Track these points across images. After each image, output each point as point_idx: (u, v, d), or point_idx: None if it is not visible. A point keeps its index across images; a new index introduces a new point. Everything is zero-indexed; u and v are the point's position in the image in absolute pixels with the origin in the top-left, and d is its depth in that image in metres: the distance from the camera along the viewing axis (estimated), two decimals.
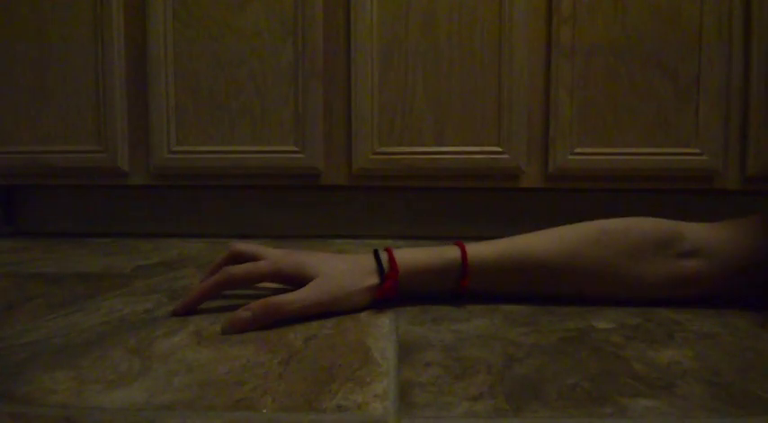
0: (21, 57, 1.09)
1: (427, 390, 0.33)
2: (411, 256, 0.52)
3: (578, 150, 1.04)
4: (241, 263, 0.51)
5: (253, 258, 0.52)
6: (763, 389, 0.33)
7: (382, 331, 0.45)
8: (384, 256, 0.52)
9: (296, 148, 1.07)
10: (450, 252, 0.52)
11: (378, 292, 0.51)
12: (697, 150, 1.02)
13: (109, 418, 0.29)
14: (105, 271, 0.74)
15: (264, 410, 0.30)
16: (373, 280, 0.51)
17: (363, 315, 0.50)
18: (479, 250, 0.52)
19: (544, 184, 1.06)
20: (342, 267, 0.50)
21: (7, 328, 0.46)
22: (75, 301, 0.56)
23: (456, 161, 1.05)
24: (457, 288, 0.53)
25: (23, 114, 1.10)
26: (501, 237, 0.55)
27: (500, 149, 1.05)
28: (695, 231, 0.51)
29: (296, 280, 0.50)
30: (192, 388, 0.33)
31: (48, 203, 1.21)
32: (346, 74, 1.06)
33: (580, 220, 0.60)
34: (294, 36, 1.06)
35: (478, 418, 0.29)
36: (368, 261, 0.52)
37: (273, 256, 0.51)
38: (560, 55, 1.03)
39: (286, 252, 0.52)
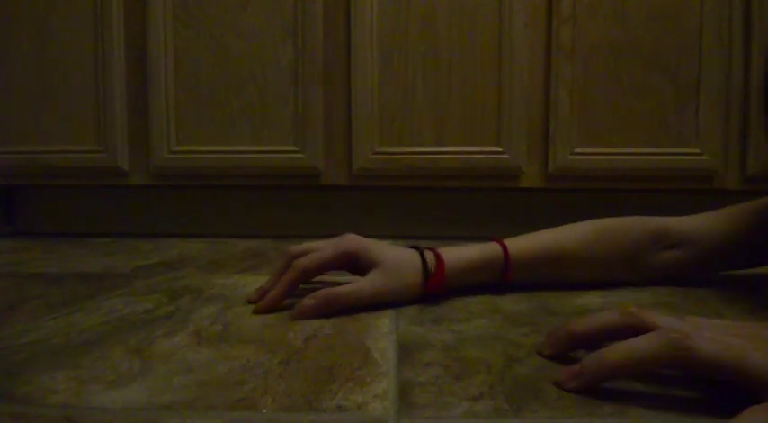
0: (21, 57, 1.09)
1: (427, 390, 0.33)
2: (456, 254, 0.56)
3: (578, 150, 1.04)
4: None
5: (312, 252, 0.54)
6: None
7: (382, 331, 0.45)
8: (430, 256, 0.55)
9: (296, 148, 1.07)
10: (492, 248, 0.57)
11: (427, 287, 0.54)
12: (697, 150, 1.02)
13: (109, 418, 0.29)
14: (105, 271, 0.74)
15: (264, 410, 0.30)
16: (421, 277, 0.54)
17: (363, 315, 0.50)
18: (518, 245, 0.58)
19: (544, 184, 1.06)
20: (400, 259, 0.53)
21: (7, 328, 0.46)
22: (75, 301, 0.56)
23: (456, 161, 1.05)
24: (501, 281, 0.58)
25: (23, 114, 1.10)
26: (501, 237, 0.59)
27: (500, 149, 1.05)
28: (679, 226, 0.61)
29: (361, 261, 0.53)
30: (191, 388, 0.33)
31: (48, 203, 1.21)
32: (346, 74, 1.06)
33: (580, 220, 0.63)
34: (294, 36, 1.06)
35: (478, 419, 0.29)
36: (416, 258, 0.54)
37: (332, 242, 0.54)
38: (560, 55, 1.03)
39: (341, 238, 0.55)
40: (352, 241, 0.54)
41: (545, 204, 1.13)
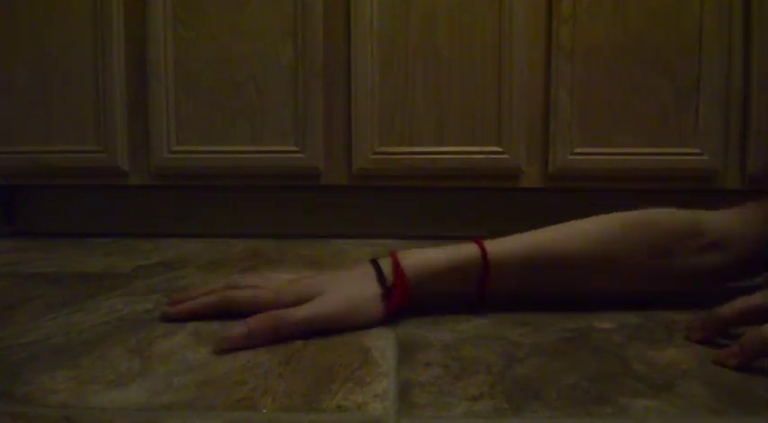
0: (21, 57, 1.09)
1: (427, 390, 0.33)
2: (420, 257, 0.47)
3: (578, 150, 1.04)
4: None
5: (251, 287, 0.48)
6: (764, 388, 0.33)
7: (382, 331, 0.45)
8: (386, 262, 0.47)
9: (296, 148, 1.07)
10: (466, 249, 0.48)
11: (388, 302, 0.46)
12: (697, 150, 1.02)
13: (109, 418, 0.29)
14: (105, 271, 0.74)
15: (264, 410, 0.30)
16: (378, 289, 0.46)
17: None
18: (500, 246, 0.48)
19: (544, 184, 1.06)
20: (347, 279, 0.47)
21: (7, 328, 0.46)
22: (75, 301, 0.56)
23: (456, 161, 1.05)
24: (479, 291, 0.48)
25: (23, 114, 1.10)
26: (501, 237, 0.52)
27: (500, 149, 1.05)
28: (713, 222, 0.51)
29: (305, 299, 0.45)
30: (191, 388, 0.33)
31: (48, 203, 1.21)
32: (346, 74, 1.06)
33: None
34: (294, 36, 1.06)
35: (478, 419, 0.29)
36: (369, 270, 0.47)
37: (274, 283, 0.47)
38: (560, 55, 1.03)
39: (287, 280, 0.48)
40: (293, 286, 0.46)
41: (545, 204, 1.13)
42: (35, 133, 1.10)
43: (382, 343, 0.42)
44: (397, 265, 0.46)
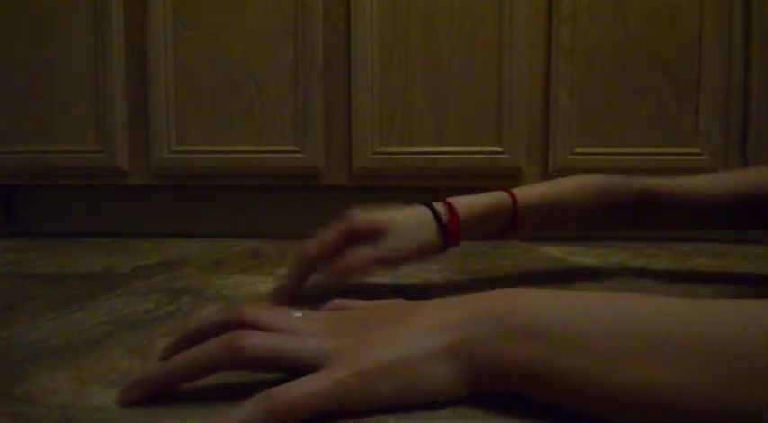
0: (21, 57, 1.09)
1: None
2: (468, 204, 0.57)
3: (578, 150, 1.04)
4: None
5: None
6: None
7: None
8: (442, 209, 0.55)
9: (296, 148, 1.07)
10: (501, 196, 0.58)
11: (445, 242, 0.54)
12: (697, 150, 1.02)
13: (109, 418, 0.29)
14: (105, 271, 0.74)
15: None
16: (434, 233, 0.53)
17: None
18: (524, 194, 0.59)
19: None
20: (410, 220, 0.53)
21: (7, 328, 0.46)
22: (75, 301, 0.56)
23: (456, 161, 1.05)
24: (507, 230, 0.59)
25: (23, 114, 1.10)
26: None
27: (500, 149, 1.05)
28: (663, 186, 0.63)
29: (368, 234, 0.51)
30: (191, 388, 0.33)
31: (48, 203, 1.21)
32: (346, 74, 1.06)
33: None
34: (294, 36, 1.06)
35: (477, 419, 0.29)
36: (428, 215, 0.54)
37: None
38: (560, 55, 1.03)
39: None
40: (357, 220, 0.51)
41: None
42: (35, 133, 1.10)
43: None
44: (452, 210, 0.55)
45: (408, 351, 0.28)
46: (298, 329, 0.30)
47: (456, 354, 0.28)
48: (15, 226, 1.21)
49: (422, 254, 0.53)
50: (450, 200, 0.56)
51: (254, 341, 0.28)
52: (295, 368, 0.28)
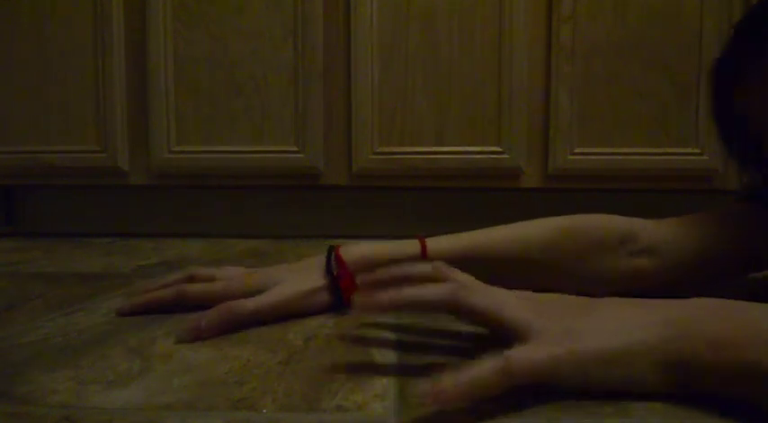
0: (21, 57, 1.09)
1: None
2: (363, 249, 0.51)
3: (578, 150, 1.04)
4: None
5: (208, 279, 0.51)
6: None
7: (382, 331, 0.45)
8: (332, 255, 0.51)
9: (296, 148, 1.07)
10: (408, 246, 0.52)
11: (335, 291, 0.50)
12: (697, 150, 1.02)
13: (109, 418, 0.29)
14: (105, 271, 0.74)
15: (264, 410, 0.30)
16: (323, 281, 0.50)
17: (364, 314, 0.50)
18: (439, 244, 0.53)
19: (544, 184, 1.05)
20: (296, 270, 0.51)
21: (7, 328, 0.46)
22: (75, 300, 0.56)
23: (456, 161, 1.05)
24: None
25: (23, 114, 1.10)
26: None
27: (500, 149, 1.05)
28: (648, 230, 0.53)
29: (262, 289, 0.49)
30: (191, 388, 0.33)
31: (48, 203, 1.21)
32: (346, 74, 1.06)
33: None
34: (294, 36, 1.06)
35: (478, 419, 0.29)
36: (320, 260, 0.51)
37: (228, 276, 0.52)
38: (560, 55, 1.03)
39: (242, 273, 0.52)
40: (242, 280, 0.50)
41: (545, 204, 1.13)
42: (35, 133, 1.10)
43: (382, 342, 0.42)
44: (339, 258, 0.50)
45: (618, 343, 0.31)
46: (498, 296, 0.34)
47: (663, 352, 0.30)
48: (15, 226, 1.21)
49: (311, 302, 0.49)
50: (343, 247, 0.51)
51: (478, 296, 0.34)
52: (501, 329, 0.33)
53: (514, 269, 0.52)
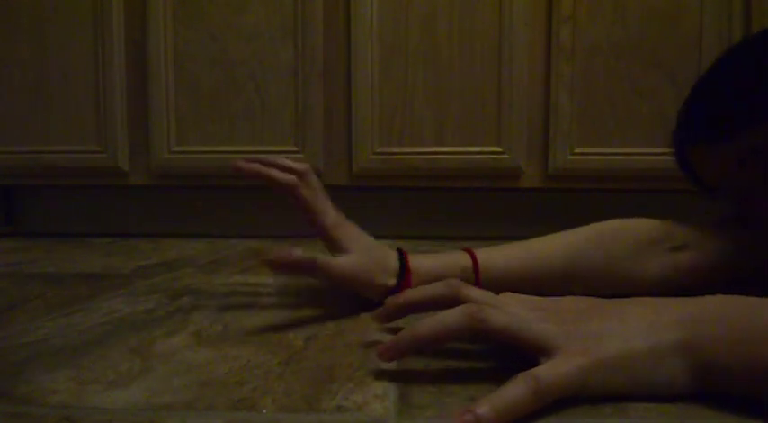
0: (21, 57, 1.09)
1: (427, 390, 0.33)
2: (422, 263, 0.53)
3: (578, 150, 1.04)
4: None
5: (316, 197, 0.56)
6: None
7: (382, 331, 0.45)
8: (400, 260, 0.53)
9: (296, 148, 1.07)
10: (461, 260, 0.53)
11: (397, 290, 0.51)
12: None
13: (109, 418, 0.29)
14: (105, 271, 0.74)
15: (264, 411, 0.30)
16: (392, 281, 0.52)
17: (364, 315, 0.50)
18: (489, 257, 0.53)
19: (544, 184, 1.06)
20: (373, 254, 0.52)
21: (7, 328, 0.46)
22: (75, 301, 0.56)
23: (456, 161, 1.05)
24: None
25: (23, 114, 1.10)
26: (501, 237, 0.57)
27: (500, 149, 1.05)
28: (682, 227, 0.55)
29: (329, 242, 0.52)
30: (191, 388, 0.33)
31: (48, 203, 1.21)
32: (346, 74, 1.06)
33: (580, 220, 0.61)
34: (294, 36, 1.06)
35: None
36: (389, 260, 0.53)
37: (328, 209, 0.55)
38: (560, 55, 1.03)
39: (338, 215, 0.55)
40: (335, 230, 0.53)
41: (545, 204, 1.13)
42: (35, 133, 1.10)
43: (382, 343, 0.42)
44: (407, 268, 0.52)
45: (641, 345, 0.31)
46: (515, 312, 0.34)
47: (685, 351, 0.30)
48: (15, 226, 1.21)
49: (370, 290, 0.51)
50: (409, 258, 0.53)
51: (497, 316, 0.32)
52: (522, 345, 0.32)
53: (561, 275, 0.53)
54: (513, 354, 0.36)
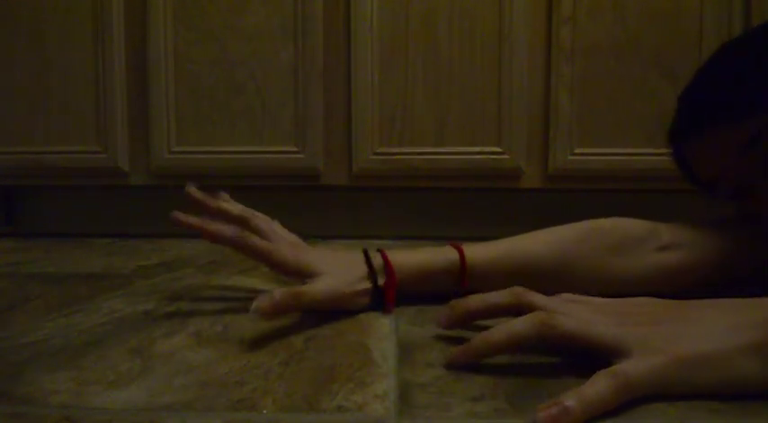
0: (21, 57, 1.09)
1: (427, 390, 0.33)
2: (408, 259, 0.52)
3: (578, 150, 1.04)
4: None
5: (266, 238, 0.54)
6: None
7: (382, 332, 0.45)
8: (378, 260, 0.52)
9: (296, 148, 1.07)
10: (448, 254, 0.53)
11: (375, 296, 0.51)
12: None
13: (109, 419, 0.29)
14: (105, 271, 0.74)
15: (265, 411, 0.30)
16: (366, 284, 0.51)
17: (363, 315, 0.50)
18: (477, 252, 0.53)
19: (544, 184, 1.05)
20: (340, 263, 0.51)
21: (7, 328, 0.46)
22: (75, 301, 0.56)
23: (456, 161, 1.05)
24: (456, 290, 0.53)
25: (23, 114, 1.10)
26: (501, 237, 0.57)
27: (500, 150, 1.04)
28: (670, 228, 0.55)
29: (295, 276, 0.50)
30: (192, 388, 0.33)
31: (48, 203, 1.20)
32: (346, 74, 1.06)
33: (580, 220, 0.60)
34: (294, 36, 1.06)
35: (479, 419, 0.29)
36: (356, 270, 0.51)
37: (278, 240, 0.55)
38: (560, 55, 1.03)
39: (293, 243, 0.56)
40: (296, 256, 0.50)
41: (545, 204, 1.13)
42: (35, 133, 1.10)
43: (383, 343, 0.42)
44: (388, 266, 0.51)
45: (719, 345, 0.31)
46: (585, 317, 0.34)
47: (761, 352, 0.31)
48: (15, 226, 1.21)
49: (354, 302, 0.50)
50: (387, 253, 0.52)
51: (568, 323, 0.33)
52: (596, 349, 0.33)
53: (550, 271, 0.53)
54: (520, 353, 0.36)
